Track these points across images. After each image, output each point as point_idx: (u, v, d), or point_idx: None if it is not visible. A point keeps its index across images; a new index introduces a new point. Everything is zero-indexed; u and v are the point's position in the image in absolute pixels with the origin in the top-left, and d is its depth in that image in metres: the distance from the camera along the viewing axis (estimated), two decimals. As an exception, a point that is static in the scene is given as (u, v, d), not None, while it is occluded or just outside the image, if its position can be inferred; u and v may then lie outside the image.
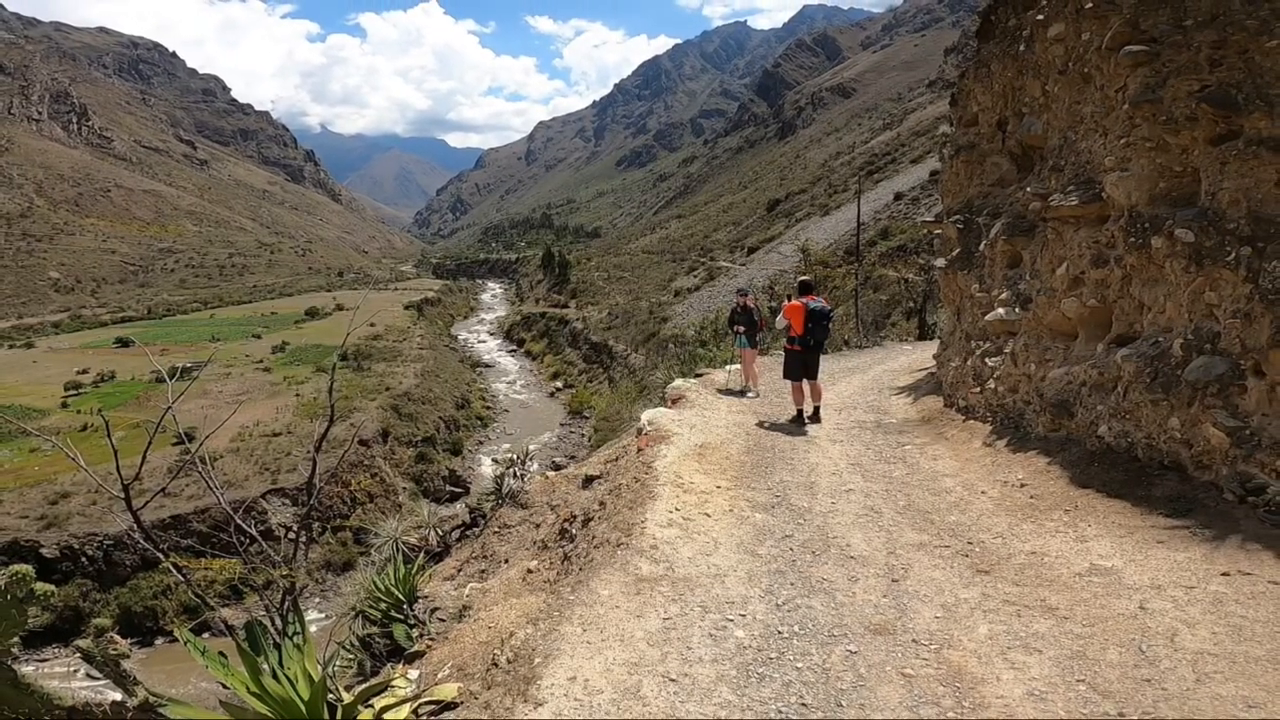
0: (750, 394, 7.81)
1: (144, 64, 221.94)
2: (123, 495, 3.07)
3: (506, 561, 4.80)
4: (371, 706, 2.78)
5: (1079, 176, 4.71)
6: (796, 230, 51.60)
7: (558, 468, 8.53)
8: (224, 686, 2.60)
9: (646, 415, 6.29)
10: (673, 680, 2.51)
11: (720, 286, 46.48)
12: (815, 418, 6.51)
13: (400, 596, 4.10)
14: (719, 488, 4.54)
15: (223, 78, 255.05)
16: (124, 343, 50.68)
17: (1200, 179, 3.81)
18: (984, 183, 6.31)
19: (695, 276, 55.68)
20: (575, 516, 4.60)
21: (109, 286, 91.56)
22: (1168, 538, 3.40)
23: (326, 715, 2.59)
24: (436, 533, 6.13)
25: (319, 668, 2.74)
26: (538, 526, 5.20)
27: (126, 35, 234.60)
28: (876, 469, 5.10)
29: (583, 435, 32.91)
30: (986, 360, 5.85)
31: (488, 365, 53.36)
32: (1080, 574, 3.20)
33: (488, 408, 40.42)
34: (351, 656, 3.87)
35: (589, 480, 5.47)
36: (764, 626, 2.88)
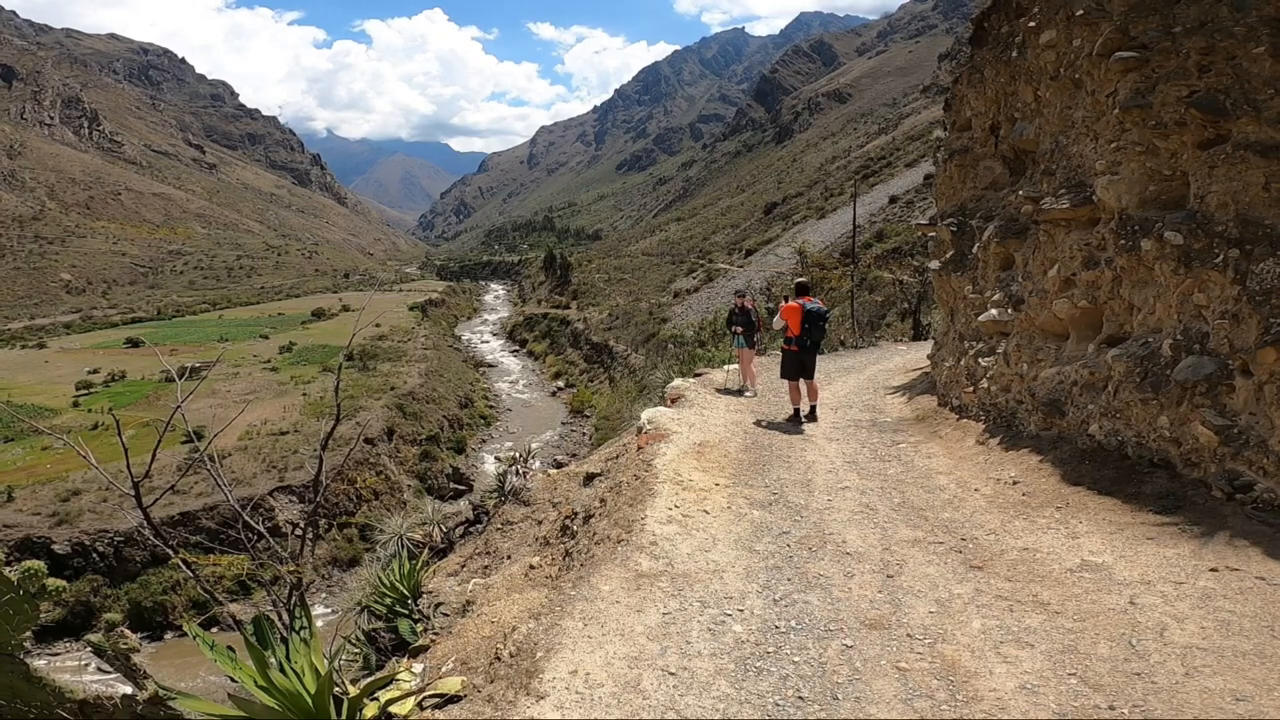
0: (748, 393, 7.87)
1: (154, 70, 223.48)
2: (133, 492, 3.14)
3: (509, 558, 4.86)
4: (377, 700, 2.83)
5: (1070, 180, 4.77)
6: (793, 233, 51.68)
7: (559, 466, 8.61)
8: (232, 680, 2.66)
9: (646, 414, 6.35)
10: (672, 674, 2.56)
11: (719, 288, 46.55)
12: (812, 416, 6.57)
13: (405, 592, 4.17)
14: (717, 485, 4.60)
15: (231, 83, 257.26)
16: (134, 343, 51.07)
17: (1189, 182, 3.87)
18: (977, 186, 6.38)
19: (694, 278, 55.72)
20: (576, 513, 4.67)
21: (119, 288, 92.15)
22: (1157, 534, 3.45)
23: (332, 708, 2.64)
24: (440, 529, 6.21)
25: (325, 662, 2.80)
26: (540, 523, 5.27)
27: (136, 41, 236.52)
28: (872, 467, 5.16)
29: (584, 434, 32.98)
30: (980, 360, 5.91)
31: (491, 365, 53.49)
32: (1071, 570, 3.25)
33: (491, 407, 40.54)
34: (357, 651, 3.92)
35: (590, 478, 5.55)
36: (761, 621, 2.93)
